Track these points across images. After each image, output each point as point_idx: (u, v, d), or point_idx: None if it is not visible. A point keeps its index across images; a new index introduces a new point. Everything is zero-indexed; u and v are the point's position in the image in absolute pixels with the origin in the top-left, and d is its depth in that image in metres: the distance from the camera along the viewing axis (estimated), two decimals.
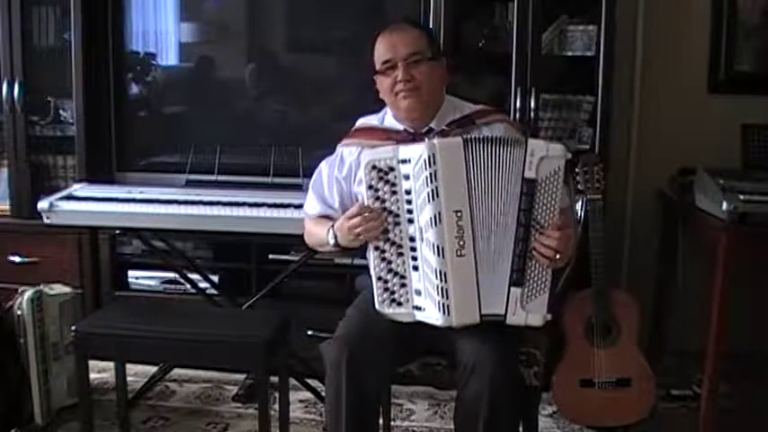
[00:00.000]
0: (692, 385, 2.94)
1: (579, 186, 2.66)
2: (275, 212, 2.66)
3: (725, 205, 2.52)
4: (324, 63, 3.13)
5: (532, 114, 2.90)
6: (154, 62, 3.27)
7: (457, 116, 2.12)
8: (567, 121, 3.00)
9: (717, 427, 2.67)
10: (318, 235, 2.14)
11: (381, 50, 2.09)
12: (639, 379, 2.68)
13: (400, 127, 2.13)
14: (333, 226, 2.07)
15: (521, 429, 2.12)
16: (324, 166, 2.22)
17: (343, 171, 2.16)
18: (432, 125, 2.11)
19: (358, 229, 1.95)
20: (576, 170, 2.65)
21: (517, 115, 2.89)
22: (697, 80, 3.23)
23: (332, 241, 2.06)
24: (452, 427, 2.01)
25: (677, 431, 2.79)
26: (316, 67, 3.15)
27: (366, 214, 1.94)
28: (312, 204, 2.23)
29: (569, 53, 2.98)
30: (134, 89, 3.28)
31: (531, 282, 1.92)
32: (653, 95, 3.24)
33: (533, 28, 2.88)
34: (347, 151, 2.16)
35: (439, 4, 2.89)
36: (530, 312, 1.92)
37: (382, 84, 2.10)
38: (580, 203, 2.67)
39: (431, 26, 2.90)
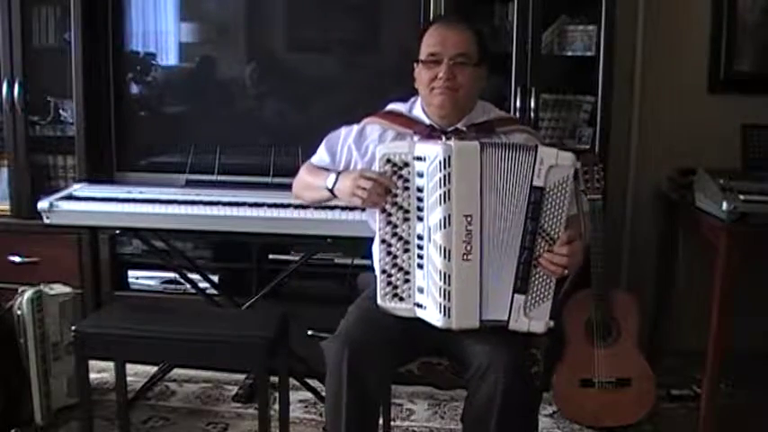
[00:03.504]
0: (692, 385, 2.94)
1: (579, 186, 2.66)
2: (275, 212, 2.66)
3: (725, 205, 2.51)
4: (324, 63, 3.13)
5: (532, 114, 2.91)
6: (154, 62, 3.27)
7: (480, 120, 2.10)
8: (567, 121, 3.00)
9: (717, 427, 2.67)
10: (311, 180, 2.16)
11: (430, 42, 2.05)
12: (639, 379, 2.69)
13: (426, 120, 2.11)
14: (339, 172, 2.07)
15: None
16: (344, 129, 2.21)
17: (361, 145, 2.15)
18: (458, 126, 2.08)
19: (367, 185, 1.92)
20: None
21: (517, 115, 2.89)
22: (697, 80, 3.23)
23: (329, 184, 2.06)
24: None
25: (677, 431, 2.79)
26: (316, 67, 3.15)
27: (382, 180, 1.92)
28: (321, 156, 2.22)
29: (569, 53, 2.98)
30: (134, 89, 3.28)
31: (535, 290, 1.90)
32: (653, 95, 3.24)
33: (533, 28, 2.88)
34: (370, 128, 2.16)
35: (439, 4, 2.89)
36: (532, 319, 1.90)
37: (421, 75, 2.07)
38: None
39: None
